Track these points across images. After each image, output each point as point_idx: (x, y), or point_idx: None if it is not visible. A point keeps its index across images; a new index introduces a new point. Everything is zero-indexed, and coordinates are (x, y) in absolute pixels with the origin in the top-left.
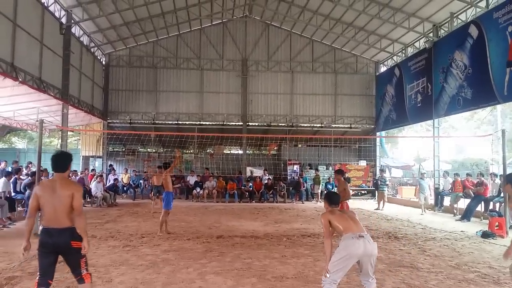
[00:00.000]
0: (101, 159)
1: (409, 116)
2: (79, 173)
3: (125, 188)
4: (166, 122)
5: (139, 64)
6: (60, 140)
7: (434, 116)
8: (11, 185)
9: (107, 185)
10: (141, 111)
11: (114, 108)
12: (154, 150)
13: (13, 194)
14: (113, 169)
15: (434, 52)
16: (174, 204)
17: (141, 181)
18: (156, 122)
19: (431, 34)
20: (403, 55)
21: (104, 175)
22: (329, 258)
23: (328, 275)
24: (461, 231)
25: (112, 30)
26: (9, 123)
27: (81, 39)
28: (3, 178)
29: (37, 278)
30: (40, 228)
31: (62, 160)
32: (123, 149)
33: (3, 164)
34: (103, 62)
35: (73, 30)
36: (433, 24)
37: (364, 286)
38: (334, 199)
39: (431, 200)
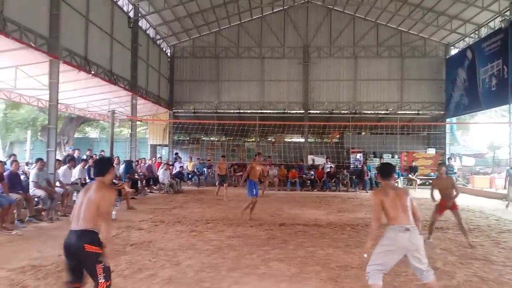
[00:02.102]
0: (168, 147)
1: (482, 101)
2: (147, 161)
3: (190, 176)
4: (228, 111)
5: (202, 54)
6: (130, 130)
7: (511, 101)
8: (86, 172)
9: (174, 172)
10: (204, 100)
11: (179, 98)
12: (216, 139)
13: (88, 180)
14: (179, 157)
15: (511, 32)
16: (237, 192)
17: (205, 169)
18: (219, 111)
19: (507, 13)
20: (476, 36)
21: (171, 163)
22: (370, 241)
23: (365, 255)
24: None
25: (177, 22)
26: (83, 114)
27: (148, 31)
28: (79, 165)
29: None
30: None
31: (100, 165)
32: (188, 138)
33: (76, 152)
34: (168, 54)
35: (140, 23)
36: (510, 2)
37: (421, 280)
38: (386, 171)
39: None
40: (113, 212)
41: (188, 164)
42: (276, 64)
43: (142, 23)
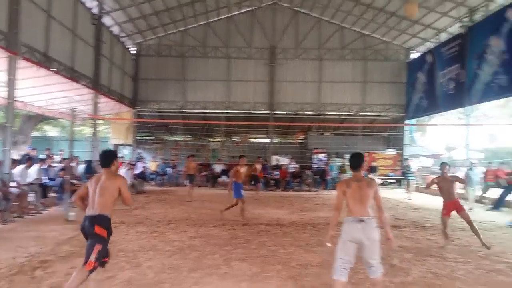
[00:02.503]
0: (131, 147)
1: (440, 103)
2: None
3: (153, 176)
4: (194, 110)
5: (168, 53)
6: (91, 129)
7: (467, 104)
8: (43, 172)
9: (136, 172)
10: (169, 99)
11: (143, 97)
12: (181, 139)
13: (45, 180)
14: (142, 157)
15: (468, 37)
16: (200, 192)
17: (169, 169)
18: (184, 110)
19: (466, 19)
20: (436, 41)
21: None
22: (331, 231)
23: (328, 244)
24: (491, 221)
25: (142, 20)
26: (42, 112)
27: (112, 29)
28: (36, 165)
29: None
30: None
31: (105, 157)
32: (152, 138)
33: (34, 152)
34: (133, 52)
35: (104, 20)
36: (468, 9)
37: (368, 273)
38: (353, 162)
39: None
40: (72, 214)
41: (151, 164)
42: (243, 64)
43: (106, 20)
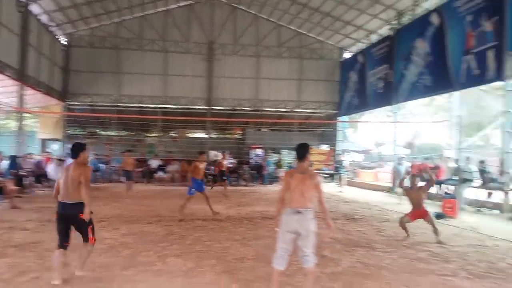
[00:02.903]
0: (60, 142)
1: (370, 101)
2: (36, 156)
3: None
4: (129, 104)
5: (101, 45)
6: (17, 123)
7: (394, 102)
8: None
9: None
10: (102, 93)
11: (74, 90)
12: (116, 134)
13: None
14: None
15: (396, 40)
16: (137, 188)
17: (102, 165)
18: (119, 104)
19: (394, 22)
20: (367, 41)
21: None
22: (277, 217)
23: (277, 229)
24: None
25: (73, 9)
26: None
27: (40, 17)
28: None
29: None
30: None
31: (73, 150)
32: (83, 132)
33: None
34: (64, 42)
35: (31, 8)
36: (397, 12)
37: (301, 262)
38: (298, 152)
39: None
40: None
41: None
42: (180, 58)
43: (34, 8)
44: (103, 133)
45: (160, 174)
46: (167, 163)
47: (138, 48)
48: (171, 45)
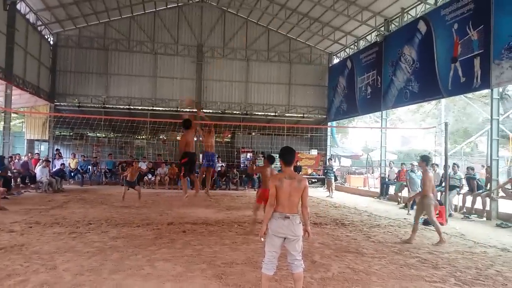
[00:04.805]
0: (47, 143)
1: (359, 107)
2: (23, 157)
3: (72, 174)
4: (117, 106)
5: (90, 45)
6: (2, 123)
7: (383, 108)
8: None
9: (53, 170)
10: (90, 94)
11: (62, 90)
12: (104, 135)
13: None
14: (59, 153)
15: (384, 46)
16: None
17: (90, 167)
18: (107, 106)
19: (382, 28)
20: (355, 47)
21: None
22: (264, 226)
23: (262, 239)
24: (404, 218)
25: (61, 9)
26: None
27: (27, 16)
28: None
29: None
30: None
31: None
32: (71, 133)
33: None
34: (51, 42)
35: (18, 6)
36: (384, 19)
37: (290, 268)
38: (284, 157)
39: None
40: None
41: (70, 161)
42: (169, 61)
43: (21, 7)
44: (91, 134)
45: (149, 176)
46: (156, 165)
47: (127, 50)
48: (160, 46)
